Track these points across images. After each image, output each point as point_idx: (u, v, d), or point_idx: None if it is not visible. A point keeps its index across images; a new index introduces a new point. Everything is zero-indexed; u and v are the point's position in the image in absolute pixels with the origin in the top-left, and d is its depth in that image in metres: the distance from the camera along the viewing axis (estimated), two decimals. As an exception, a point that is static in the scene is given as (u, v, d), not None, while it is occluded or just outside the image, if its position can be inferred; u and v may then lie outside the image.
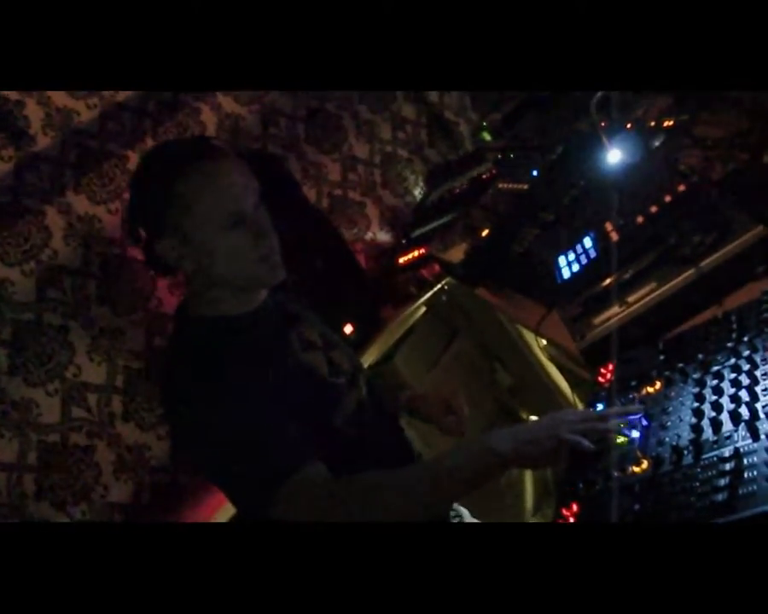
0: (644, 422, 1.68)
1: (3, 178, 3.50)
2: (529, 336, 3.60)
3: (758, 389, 1.54)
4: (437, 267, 3.97)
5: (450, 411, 2.18)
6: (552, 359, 3.13)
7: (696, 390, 1.67)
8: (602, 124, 2.78)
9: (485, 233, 3.17)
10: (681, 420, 1.61)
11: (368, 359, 3.50)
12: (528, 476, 4.11)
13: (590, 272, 2.33)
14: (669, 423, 1.63)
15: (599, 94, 2.65)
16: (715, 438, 1.48)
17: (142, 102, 4.00)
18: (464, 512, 2.29)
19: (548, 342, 2.84)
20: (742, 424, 1.46)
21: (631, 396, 1.83)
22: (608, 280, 2.25)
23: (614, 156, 2.48)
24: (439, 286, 3.95)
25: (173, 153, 1.94)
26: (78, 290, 3.61)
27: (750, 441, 1.41)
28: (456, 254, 3.47)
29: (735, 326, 1.83)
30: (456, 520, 2.21)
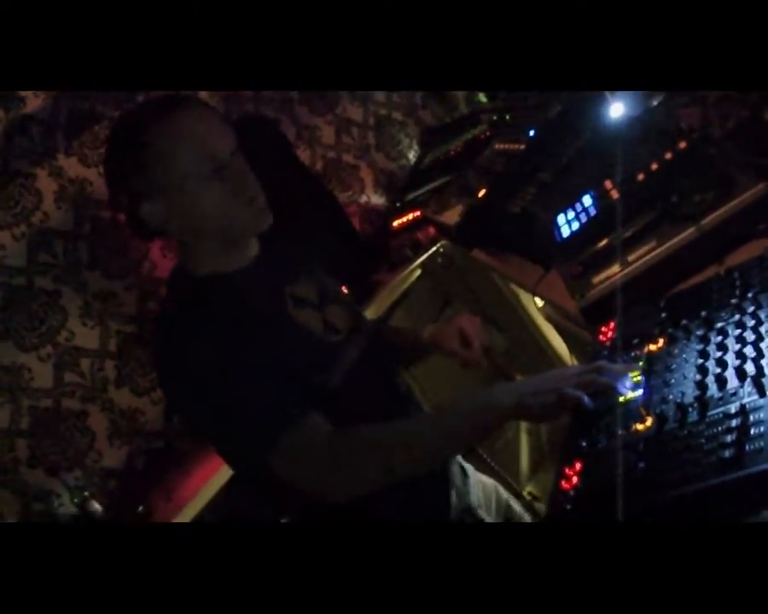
0: (644, 379, 1.66)
1: (-7, 141, 3.48)
2: (526, 298, 3.58)
3: (763, 345, 1.51)
4: (432, 230, 3.94)
5: (467, 342, 2.16)
6: (550, 319, 3.12)
7: (700, 347, 1.64)
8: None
9: (481, 194, 3.14)
10: (685, 378, 1.59)
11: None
12: (524, 439, 4.10)
13: (590, 230, 2.30)
14: (673, 380, 1.61)
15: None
16: (720, 395, 1.46)
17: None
18: (469, 467, 2.28)
19: (546, 302, 2.82)
20: (748, 380, 1.44)
21: (633, 353, 1.81)
22: (608, 239, 2.23)
23: (617, 110, 2.44)
24: (434, 248, 3.92)
25: (140, 113, 1.92)
26: (70, 254, 3.59)
27: (756, 397, 1.39)
28: (452, 216, 3.45)
29: (738, 282, 1.80)
30: (459, 476, 2.20)
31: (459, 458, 2.26)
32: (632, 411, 1.58)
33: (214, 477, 3.13)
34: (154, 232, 1.89)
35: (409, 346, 2.32)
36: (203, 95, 4.10)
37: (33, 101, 3.61)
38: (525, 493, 3.82)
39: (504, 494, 2.36)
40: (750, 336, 1.57)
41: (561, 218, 2.42)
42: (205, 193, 1.80)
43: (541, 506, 3.51)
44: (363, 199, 4.57)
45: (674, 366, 1.66)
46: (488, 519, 2.21)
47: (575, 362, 2.63)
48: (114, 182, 1.88)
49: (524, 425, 4.09)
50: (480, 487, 2.27)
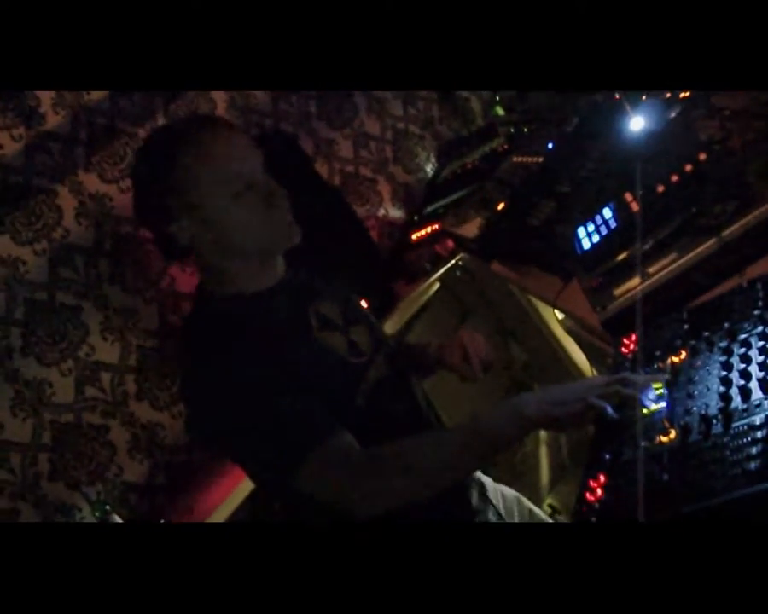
0: (666, 392, 1.66)
1: (15, 158, 3.50)
2: (545, 310, 3.58)
3: (787, 357, 1.52)
4: (450, 243, 3.94)
5: (467, 358, 2.16)
6: (570, 332, 3.11)
7: (723, 358, 1.64)
8: (616, 95, 2.76)
9: (500, 206, 3.14)
10: (708, 389, 1.59)
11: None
12: (543, 452, 4.10)
13: (611, 243, 2.30)
14: (696, 392, 1.61)
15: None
16: (745, 406, 1.46)
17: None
18: (488, 480, 2.28)
19: (566, 315, 2.82)
20: (773, 391, 1.44)
21: (655, 365, 1.81)
22: (628, 251, 2.23)
23: (637, 124, 2.45)
24: (453, 261, 3.92)
25: (171, 132, 1.95)
26: (91, 269, 3.60)
27: (781, 408, 1.39)
28: (470, 229, 3.45)
29: (761, 294, 1.80)
30: (476, 490, 2.19)
31: (477, 474, 2.25)
32: (656, 423, 1.59)
33: (235, 490, 3.14)
34: (182, 250, 1.89)
35: (419, 362, 2.32)
36: (221, 107, 4.15)
37: (53, 118, 3.64)
38: (545, 506, 3.81)
39: (527, 502, 2.36)
40: (774, 347, 1.57)
41: (581, 231, 2.42)
42: (235, 211, 1.82)
43: (561, 519, 3.50)
44: (381, 212, 4.58)
45: (697, 378, 1.65)
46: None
47: (596, 375, 2.62)
48: (143, 201, 1.90)
49: (543, 438, 4.09)
50: (501, 499, 2.27)
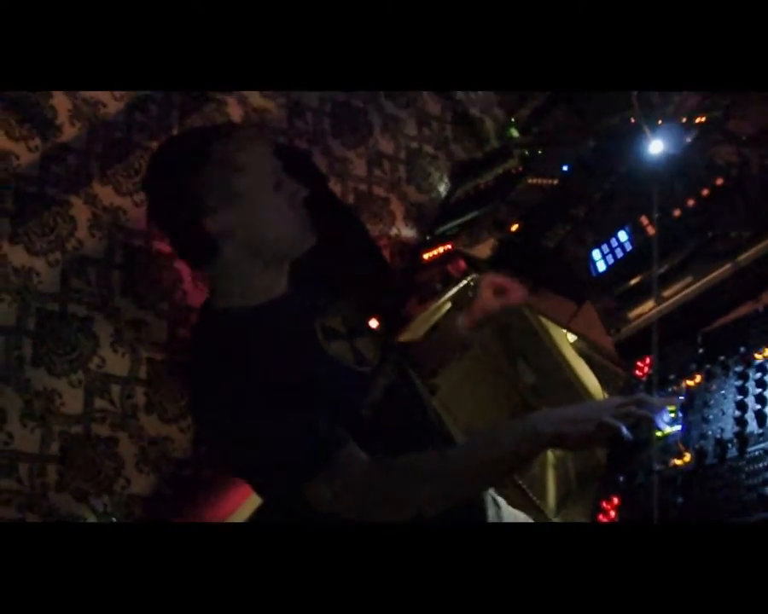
0: (681, 415, 1.66)
1: (30, 168, 3.51)
2: (557, 333, 3.57)
3: (803, 382, 1.51)
4: (462, 263, 3.95)
5: (504, 289, 2.28)
6: (582, 355, 3.11)
7: (739, 383, 1.64)
8: (632, 120, 2.76)
9: (513, 228, 3.14)
10: (723, 413, 1.58)
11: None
12: (551, 473, 4.08)
13: (626, 266, 2.30)
14: (711, 416, 1.60)
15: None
16: (761, 431, 1.46)
17: (169, 94, 4.00)
18: (501, 500, 2.27)
19: (579, 337, 2.81)
20: (789, 417, 1.44)
21: (669, 389, 1.81)
22: (643, 274, 2.22)
23: (656, 147, 2.45)
24: (464, 282, 3.92)
25: (200, 131, 2.01)
26: (103, 281, 3.61)
27: (798, 434, 1.39)
28: (483, 250, 3.45)
29: (776, 319, 1.80)
30: (493, 509, 2.19)
31: (492, 491, 2.25)
32: (670, 446, 1.58)
33: (243, 504, 3.13)
34: (211, 249, 1.86)
35: (447, 351, 2.34)
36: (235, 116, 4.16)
37: (69, 129, 3.65)
38: (552, 529, 3.80)
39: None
40: (790, 373, 1.56)
41: (596, 253, 2.42)
42: (270, 203, 1.85)
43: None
44: (394, 231, 4.58)
45: (712, 401, 1.65)
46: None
47: (608, 397, 2.61)
48: (172, 196, 1.86)
49: (551, 460, 4.08)
50: (513, 521, 2.26)
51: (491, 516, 2.16)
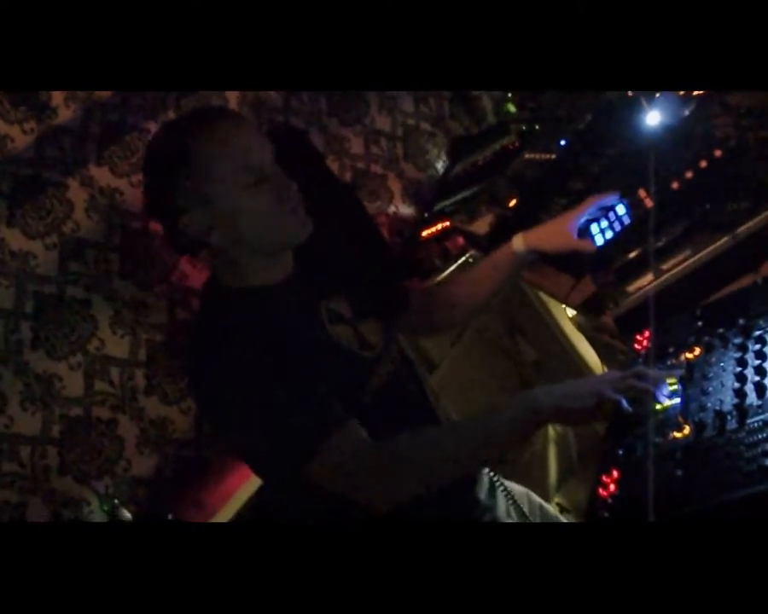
0: (680, 388, 1.66)
1: (25, 151, 3.50)
2: (556, 308, 3.56)
3: (803, 353, 1.51)
4: (461, 240, 3.93)
5: None
6: (582, 329, 3.10)
7: (738, 355, 1.64)
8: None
9: (512, 203, 3.13)
10: (723, 386, 1.58)
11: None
12: (552, 450, 4.08)
13: (624, 239, 2.29)
14: (710, 388, 1.60)
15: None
16: (760, 403, 1.46)
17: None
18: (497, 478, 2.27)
19: (577, 312, 2.81)
20: (789, 388, 1.44)
21: (668, 362, 1.80)
22: (641, 248, 2.22)
23: (653, 118, 2.44)
24: (463, 258, 3.90)
25: (180, 125, 1.92)
26: (101, 263, 3.60)
27: (797, 405, 1.39)
28: (481, 226, 3.43)
29: (776, 291, 1.80)
30: (485, 491, 2.18)
31: (486, 470, 2.24)
32: (670, 419, 1.58)
33: (244, 485, 3.14)
34: (193, 243, 1.87)
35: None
36: (233, 103, 4.14)
37: (65, 112, 3.63)
38: (553, 504, 3.80)
39: (537, 499, 2.34)
40: (790, 344, 1.56)
41: (594, 227, 2.40)
42: (248, 203, 1.80)
43: (570, 517, 3.49)
44: (392, 209, 4.57)
45: (711, 374, 1.65)
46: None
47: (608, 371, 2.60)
48: (154, 193, 1.87)
49: (552, 436, 4.08)
50: (511, 495, 2.25)
51: (483, 498, 2.14)
